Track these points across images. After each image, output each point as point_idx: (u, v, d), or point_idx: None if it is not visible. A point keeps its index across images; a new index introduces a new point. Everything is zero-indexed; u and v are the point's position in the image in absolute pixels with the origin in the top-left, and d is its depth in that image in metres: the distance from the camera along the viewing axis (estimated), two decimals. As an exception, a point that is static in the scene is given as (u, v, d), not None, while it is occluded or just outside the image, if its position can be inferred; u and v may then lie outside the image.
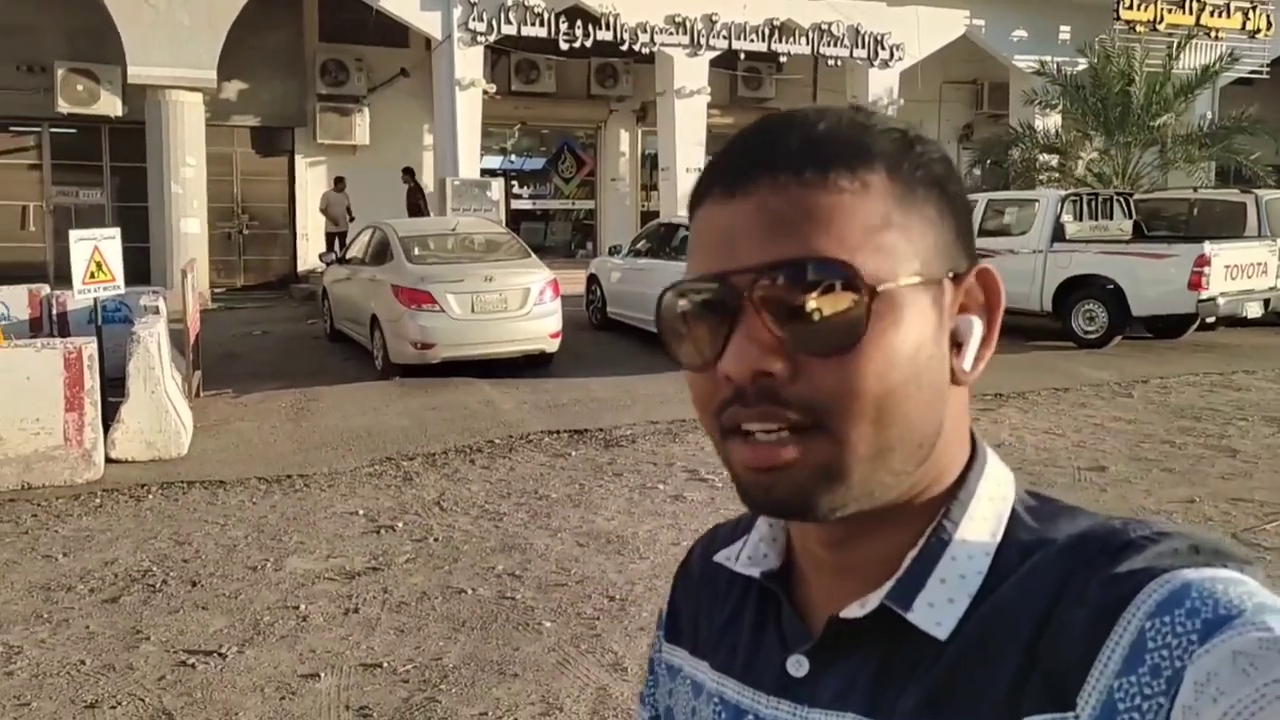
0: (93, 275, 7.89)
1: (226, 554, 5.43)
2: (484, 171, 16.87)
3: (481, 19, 15.74)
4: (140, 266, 15.72)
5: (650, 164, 20.45)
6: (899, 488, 0.67)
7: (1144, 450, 7.23)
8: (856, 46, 17.71)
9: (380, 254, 10.42)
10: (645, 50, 16.52)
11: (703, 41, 16.62)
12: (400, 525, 5.84)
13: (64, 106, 16.00)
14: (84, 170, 17.44)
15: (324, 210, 17.14)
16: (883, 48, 17.91)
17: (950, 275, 0.67)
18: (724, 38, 16.76)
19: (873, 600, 0.67)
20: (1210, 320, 11.71)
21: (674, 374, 8.91)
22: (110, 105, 16.32)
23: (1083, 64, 18.15)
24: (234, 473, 6.96)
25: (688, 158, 17.04)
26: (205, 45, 14.97)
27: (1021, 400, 8.89)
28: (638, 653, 4.12)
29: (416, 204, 16.71)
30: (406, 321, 9.32)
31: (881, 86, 18.32)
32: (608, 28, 16.23)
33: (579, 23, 16.04)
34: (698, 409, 0.69)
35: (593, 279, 12.96)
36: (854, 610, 0.68)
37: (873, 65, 17.99)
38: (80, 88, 16.24)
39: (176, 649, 4.28)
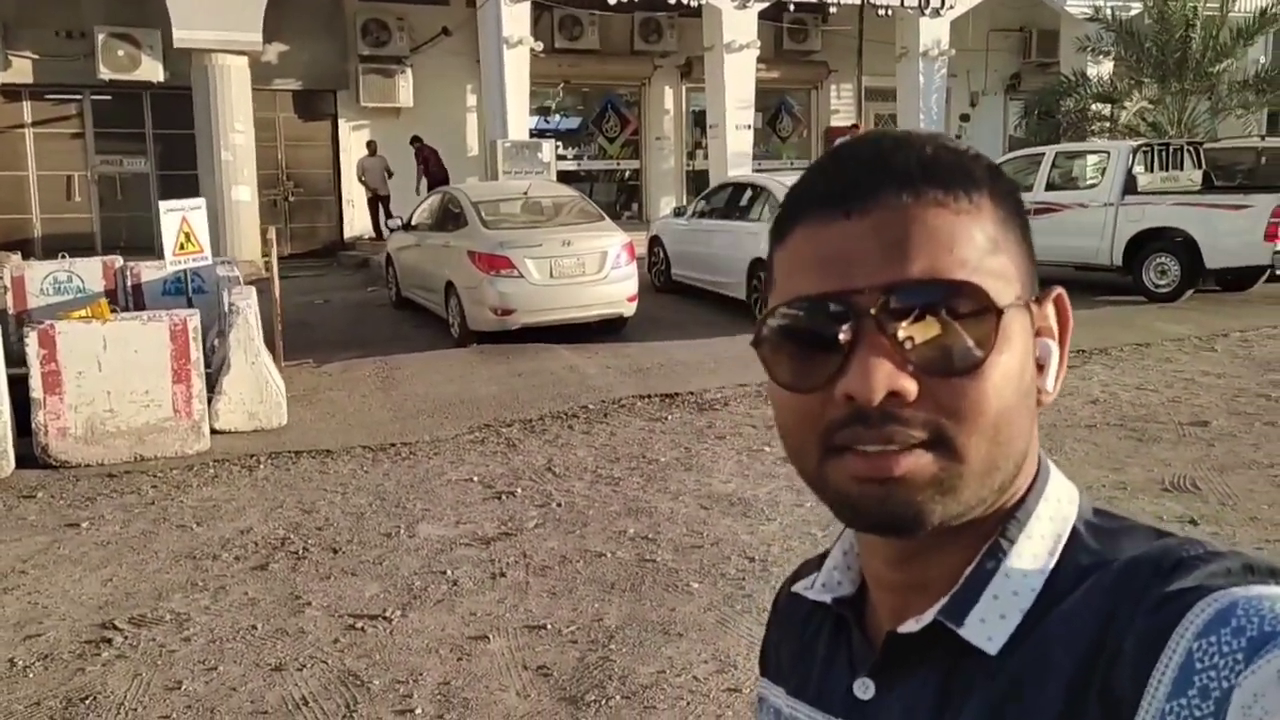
0: (182, 246, 7.95)
1: (357, 522, 5.51)
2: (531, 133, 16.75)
3: (527, -28, 15.49)
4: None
5: (695, 122, 20.23)
6: (993, 503, 0.68)
7: (1241, 405, 7.21)
8: (907, -7, 17.42)
9: (452, 219, 10.41)
10: (692, 3, 16.29)
11: (751, -8, 16.40)
12: (519, 491, 5.90)
13: (105, 73, 15.85)
14: (127, 138, 17.35)
15: (361, 178, 17.06)
16: (935, -7, 17.60)
17: (1035, 299, 0.69)
18: (773, -12, 16.52)
19: (927, 615, 0.68)
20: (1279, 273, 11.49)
21: (751, 336, 9.05)
22: (152, 71, 16.24)
23: (1136, 8, 17.77)
24: (337, 442, 7.04)
25: (737, 115, 16.84)
26: (249, 6, 14.81)
27: (1105, 356, 8.86)
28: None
29: (429, 169, 16.43)
30: (485, 288, 9.33)
31: (930, 36, 18.00)
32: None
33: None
34: (792, 429, 0.68)
35: (655, 240, 12.91)
36: (910, 625, 0.69)
37: (924, 14, 17.63)
38: (121, 53, 16.16)
39: (341, 613, 4.37)
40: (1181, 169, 12.47)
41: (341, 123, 17.97)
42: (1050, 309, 0.71)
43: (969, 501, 0.66)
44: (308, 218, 18.14)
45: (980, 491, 0.66)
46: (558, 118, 19.48)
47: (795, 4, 17.33)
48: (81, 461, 6.59)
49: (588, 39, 18.26)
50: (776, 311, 0.68)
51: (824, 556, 0.83)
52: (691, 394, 7.98)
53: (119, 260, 10.31)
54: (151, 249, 16.19)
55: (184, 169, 16.13)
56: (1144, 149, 12.31)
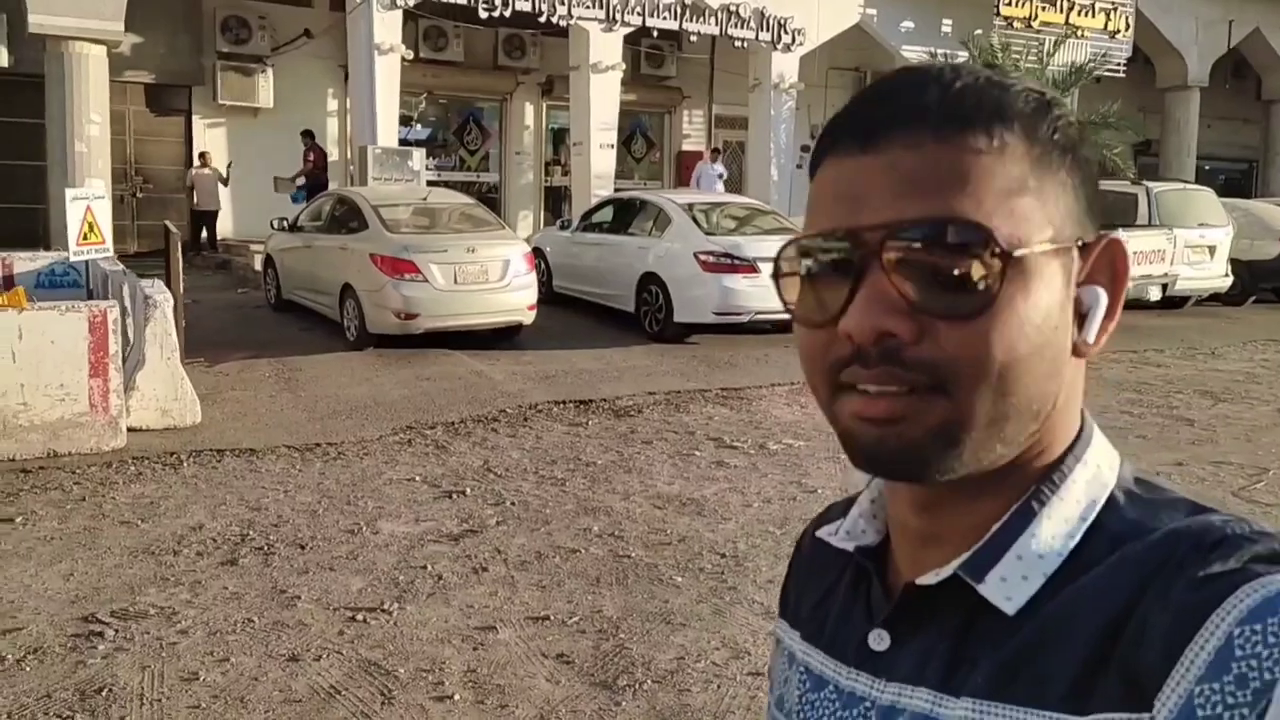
0: (85, 237, 7.63)
1: (312, 519, 5.48)
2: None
3: (400, -19, 15.38)
4: (31, 230, 14.80)
5: (554, 139, 20.51)
6: (1008, 455, 0.66)
7: (1111, 419, 7.98)
8: (762, 29, 18.20)
9: (348, 222, 10.30)
10: (562, 23, 16.57)
11: (618, 17, 16.78)
12: (468, 490, 5.99)
13: (-58, 57, 14.85)
14: (-41, 125, 16.21)
15: (189, 187, 16.53)
16: (785, 31, 18.46)
17: (1079, 243, 0.66)
18: (638, 14, 16.95)
19: (947, 569, 0.67)
20: None
21: (646, 347, 9.34)
22: (-4, 55, 15.27)
23: (963, 56, 19.27)
24: (259, 441, 6.92)
25: (600, 135, 17.20)
26: (110, -6, 14.13)
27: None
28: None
29: (316, 168, 16.21)
30: (389, 291, 9.30)
31: (780, 70, 18.93)
32: (527, -3, 16.17)
33: (500, -11, 15.89)
34: (806, 364, 0.68)
35: (536, 252, 13.05)
36: (929, 577, 0.68)
37: (776, 49, 18.54)
38: (-38, 35, 15.15)
39: (335, 606, 4.38)
40: None
41: (196, 119, 17.23)
42: (1104, 255, 0.68)
43: (974, 452, 0.64)
44: (157, 215, 17.11)
45: (988, 444, 0.64)
46: (418, 126, 19.32)
47: (656, 30, 17.91)
48: (-12, 457, 6.26)
49: (452, 50, 18.28)
50: (791, 246, 0.68)
51: (851, 501, 0.82)
52: (605, 401, 8.21)
53: (-15, 250, 9.73)
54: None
55: (25, 159, 15.18)
56: None
